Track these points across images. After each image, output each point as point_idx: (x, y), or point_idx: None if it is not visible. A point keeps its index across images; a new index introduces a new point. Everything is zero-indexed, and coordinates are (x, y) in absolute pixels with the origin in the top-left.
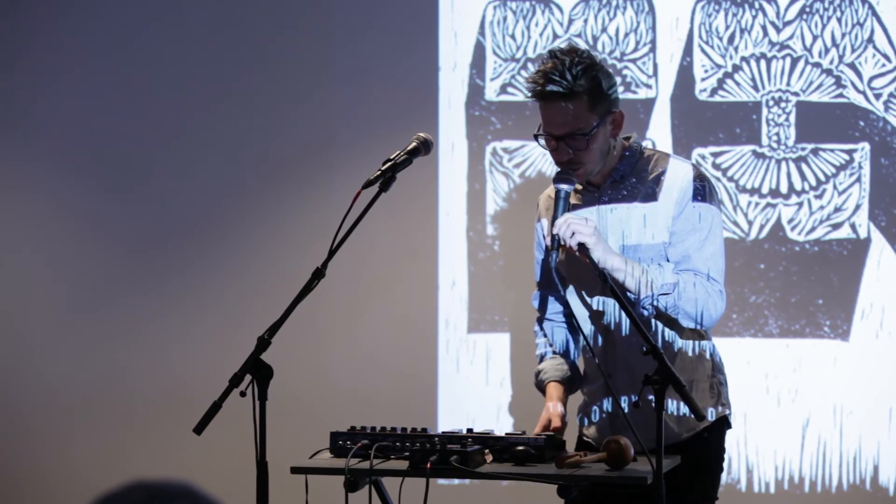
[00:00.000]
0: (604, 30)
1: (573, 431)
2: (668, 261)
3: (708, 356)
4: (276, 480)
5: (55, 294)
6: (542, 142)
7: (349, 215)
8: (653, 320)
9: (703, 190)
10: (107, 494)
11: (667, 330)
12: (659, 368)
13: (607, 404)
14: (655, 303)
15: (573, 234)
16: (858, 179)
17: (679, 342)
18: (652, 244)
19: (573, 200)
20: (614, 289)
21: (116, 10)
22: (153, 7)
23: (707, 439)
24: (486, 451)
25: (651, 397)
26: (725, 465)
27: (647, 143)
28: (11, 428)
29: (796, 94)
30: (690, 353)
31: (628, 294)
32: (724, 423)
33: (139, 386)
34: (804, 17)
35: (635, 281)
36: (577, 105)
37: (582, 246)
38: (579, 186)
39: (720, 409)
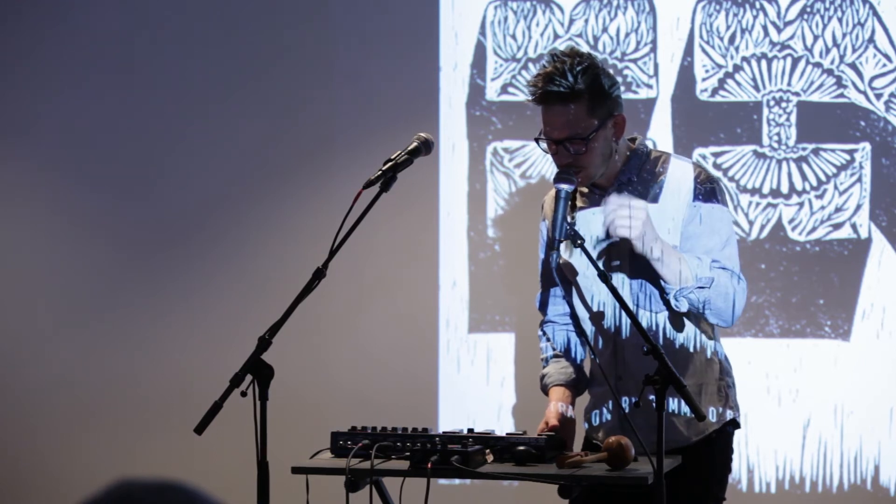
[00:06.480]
0: (605, 30)
1: (580, 429)
2: None
3: (716, 359)
4: (277, 480)
5: (59, 296)
6: (544, 145)
7: (350, 215)
8: (666, 324)
9: (713, 192)
10: (92, 497)
11: (679, 334)
12: (659, 368)
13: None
14: (691, 295)
15: (616, 227)
16: (859, 179)
17: (691, 345)
18: None
19: (579, 203)
20: (615, 290)
21: (116, 13)
22: (153, 11)
23: (715, 441)
24: (487, 451)
25: (652, 397)
26: None
27: (648, 143)
28: (17, 429)
29: (797, 94)
30: (701, 356)
31: (664, 285)
32: (732, 425)
33: (140, 386)
34: (805, 17)
35: (673, 272)
36: (577, 107)
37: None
38: (584, 189)
39: (728, 411)
